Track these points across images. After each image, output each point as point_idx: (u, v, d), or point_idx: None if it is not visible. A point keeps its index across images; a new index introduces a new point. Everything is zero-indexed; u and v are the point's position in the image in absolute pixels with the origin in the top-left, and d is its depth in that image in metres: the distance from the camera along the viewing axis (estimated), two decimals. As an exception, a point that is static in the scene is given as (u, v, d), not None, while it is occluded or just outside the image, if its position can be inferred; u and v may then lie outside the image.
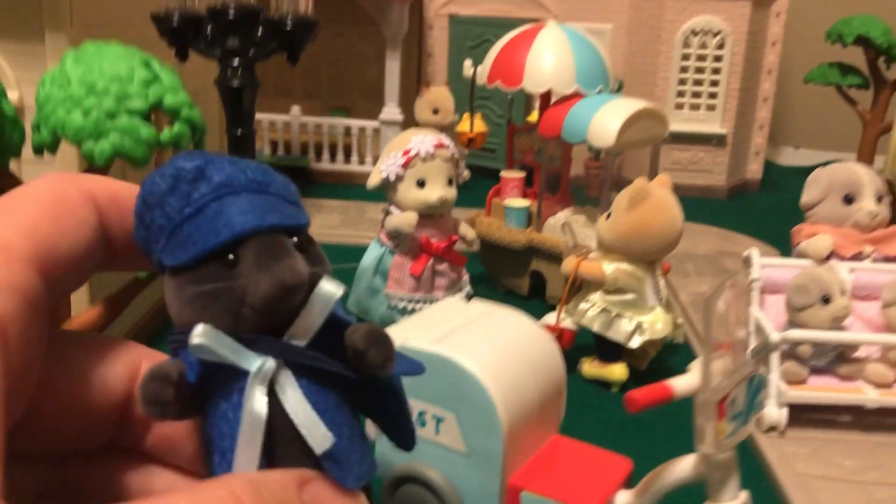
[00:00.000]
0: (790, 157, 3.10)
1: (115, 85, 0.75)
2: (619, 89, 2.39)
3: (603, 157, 1.44)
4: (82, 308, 0.98)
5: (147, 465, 0.27)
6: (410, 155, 1.38)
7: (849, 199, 1.25)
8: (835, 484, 1.01)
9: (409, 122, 2.34)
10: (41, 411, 0.24)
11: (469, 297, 1.52)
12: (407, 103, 2.37)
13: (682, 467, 0.79)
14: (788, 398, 1.09)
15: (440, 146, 1.40)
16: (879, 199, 1.25)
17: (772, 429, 1.11)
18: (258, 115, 2.18)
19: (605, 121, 1.38)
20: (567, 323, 1.28)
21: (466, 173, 1.48)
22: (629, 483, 0.86)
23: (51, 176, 0.26)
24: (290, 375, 0.23)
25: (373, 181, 1.42)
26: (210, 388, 0.24)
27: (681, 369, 0.82)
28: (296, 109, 2.41)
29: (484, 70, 1.55)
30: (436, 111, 2.23)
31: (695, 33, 2.31)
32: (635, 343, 1.22)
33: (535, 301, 1.58)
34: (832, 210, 1.25)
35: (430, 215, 1.41)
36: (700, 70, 2.34)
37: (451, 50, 2.51)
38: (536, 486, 0.84)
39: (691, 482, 0.78)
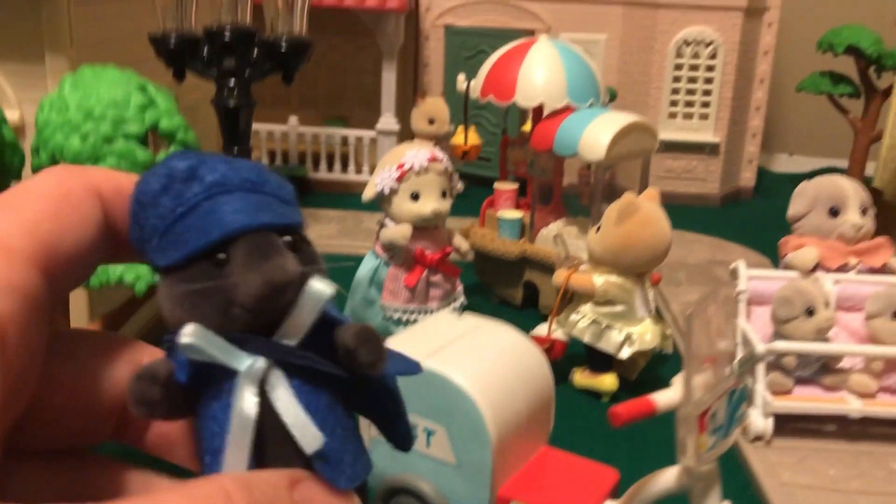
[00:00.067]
0: (784, 164, 3.12)
1: (111, 110, 0.78)
2: (613, 99, 2.42)
3: (593, 170, 1.47)
4: (81, 324, 1.00)
5: (144, 467, 0.28)
6: (404, 168, 1.40)
7: (834, 212, 1.27)
8: (819, 493, 1.03)
9: (406, 132, 2.37)
10: (43, 408, 0.24)
11: (463, 308, 1.54)
12: (403, 113, 2.40)
13: (666, 478, 0.81)
14: (774, 408, 1.11)
15: (434, 160, 1.42)
16: (864, 211, 1.27)
17: (758, 438, 1.13)
18: (256, 126, 2.21)
19: (596, 134, 1.40)
20: (558, 334, 1.30)
21: (460, 185, 1.50)
22: (615, 493, 0.89)
23: (55, 170, 0.26)
24: (280, 375, 0.23)
25: (367, 194, 1.44)
26: (201, 389, 0.24)
27: (670, 379, 0.84)
28: (293, 120, 2.44)
29: (477, 84, 1.58)
30: (432, 121, 2.26)
31: (687, 43, 2.33)
32: (625, 354, 1.24)
33: (528, 311, 1.61)
34: (818, 223, 1.27)
35: (425, 227, 1.43)
36: (693, 80, 2.36)
37: (446, 60, 2.53)
38: (524, 496, 0.86)
39: (675, 493, 0.81)
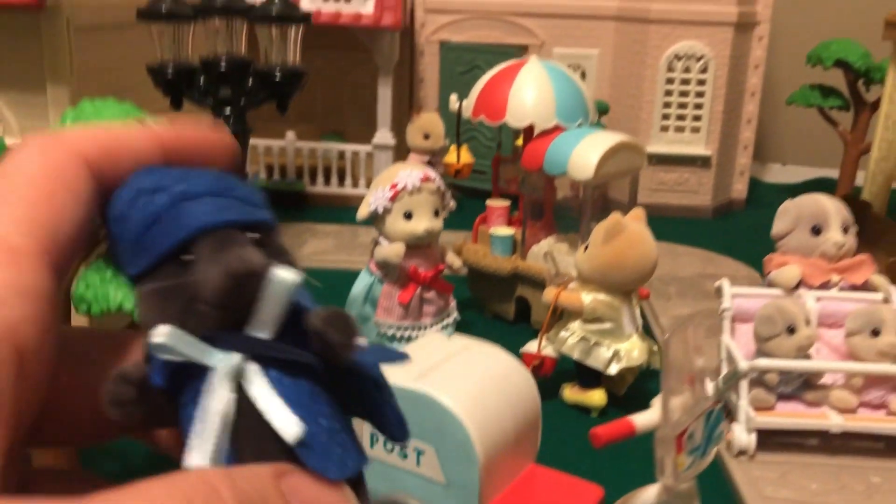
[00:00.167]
0: (777, 174, 3.16)
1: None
2: (605, 112, 2.46)
3: (582, 189, 1.50)
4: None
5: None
6: (398, 188, 1.44)
7: (816, 231, 1.30)
8: (800, 507, 1.06)
9: (402, 146, 2.40)
10: (54, 406, 0.24)
11: (456, 323, 1.57)
12: (399, 128, 2.43)
13: (647, 496, 0.84)
14: (757, 424, 1.14)
15: (426, 179, 1.45)
16: (845, 229, 1.31)
17: (741, 453, 1.16)
18: (254, 141, 2.24)
19: (585, 154, 1.44)
20: (548, 351, 1.33)
21: (453, 204, 1.54)
22: (599, 510, 0.92)
23: (36, 143, 0.24)
24: (257, 369, 0.23)
25: (362, 213, 1.47)
26: (180, 389, 0.24)
27: (657, 394, 0.87)
28: (291, 135, 2.47)
29: (469, 105, 1.61)
30: (427, 136, 2.29)
31: (678, 58, 2.37)
32: (613, 370, 1.27)
33: (520, 325, 1.64)
34: (801, 241, 1.31)
35: (418, 245, 1.46)
36: (684, 93, 2.40)
37: (442, 75, 2.57)
38: (511, 514, 0.89)
39: (655, 511, 0.84)
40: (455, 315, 1.57)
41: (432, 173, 1.48)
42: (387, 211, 1.44)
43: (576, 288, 1.30)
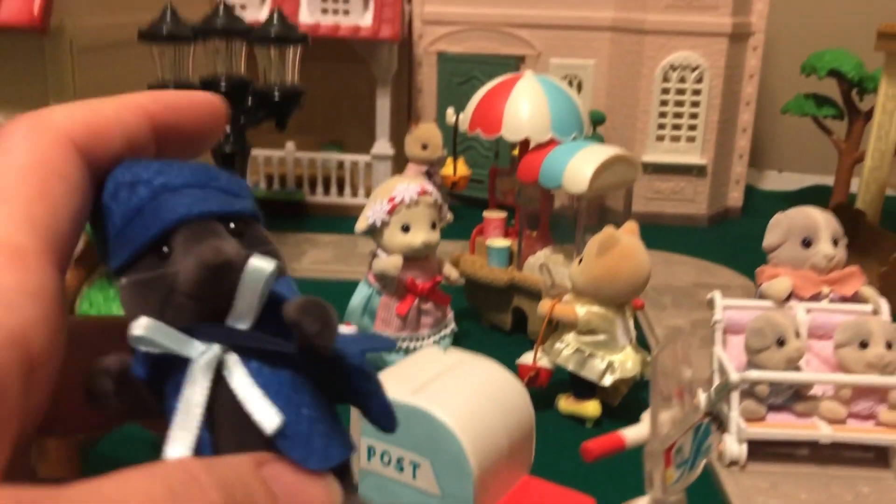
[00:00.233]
0: (774, 181, 3.18)
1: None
2: (602, 122, 2.48)
3: (576, 202, 1.52)
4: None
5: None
6: (395, 202, 1.46)
7: (807, 243, 1.32)
8: (789, 516, 1.08)
9: (400, 156, 2.43)
10: (60, 398, 0.24)
11: (453, 334, 1.59)
12: (398, 138, 2.46)
13: (637, 508, 0.86)
14: (748, 434, 1.17)
15: (423, 193, 1.48)
16: (835, 242, 1.33)
17: (733, 463, 1.18)
18: (254, 152, 2.26)
19: (579, 167, 1.46)
20: (544, 362, 1.35)
21: (450, 216, 1.56)
22: (591, 522, 0.94)
23: (21, 129, 0.24)
24: (237, 359, 0.23)
25: (360, 226, 1.50)
26: (164, 380, 0.24)
27: (649, 406, 0.89)
28: (290, 145, 2.49)
29: (465, 118, 1.63)
30: (425, 147, 2.32)
31: (673, 68, 2.39)
32: (607, 381, 1.29)
33: (517, 335, 1.66)
34: (791, 253, 1.33)
35: (415, 258, 1.49)
36: (679, 103, 2.42)
37: (439, 86, 2.59)
38: (505, 526, 0.91)
39: (645, 522, 0.86)
40: (452, 326, 1.59)
41: (429, 187, 1.50)
42: (384, 224, 1.47)
43: (570, 300, 1.32)
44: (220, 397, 0.23)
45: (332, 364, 0.24)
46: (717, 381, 1.26)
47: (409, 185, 1.48)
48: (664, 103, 2.42)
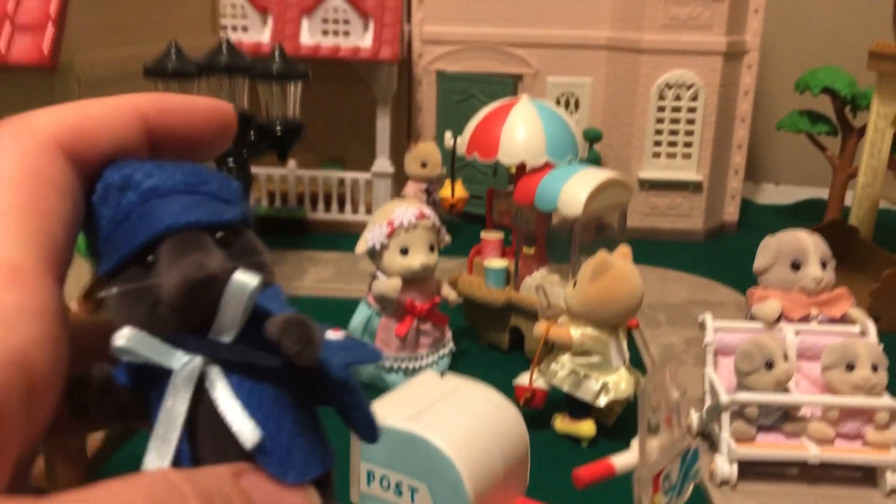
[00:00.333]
0: (770, 194, 3.21)
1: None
2: (599, 139, 2.52)
3: (572, 224, 1.55)
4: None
5: None
6: (394, 225, 1.50)
7: (796, 266, 1.35)
8: (778, 536, 1.11)
9: (400, 174, 2.46)
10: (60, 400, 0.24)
11: (452, 354, 1.63)
12: (398, 155, 2.49)
13: (627, 532, 0.89)
14: (738, 455, 1.20)
15: (421, 216, 1.51)
16: (824, 264, 1.36)
17: (724, 483, 1.21)
18: (256, 170, 2.30)
19: (574, 191, 1.49)
20: (540, 383, 1.38)
21: (448, 238, 1.59)
22: (584, 544, 0.97)
23: (4, 137, 0.23)
24: (219, 372, 0.23)
25: (360, 249, 1.53)
26: (149, 390, 0.24)
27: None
28: (292, 163, 2.53)
29: (463, 142, 1.67)
30: (424, 165, 2.35)
31: (669, 86, 2.43)
32: (602, 402, 1.32)
33: (514, 354, 1.69)
34: (781, 276, 1.36)
35: (414, 279, 1.52)
36: (675, 121, 2.46)
37: (438, 104, 2.63)
38: (500, 549, 0.94)
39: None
40: (451, 346, 1.62)
41: (427, 210, 1.54)
42: (384, 247, 1.50)
43: (565, 322, 1.35)
44: (202, 409, 0.23)
45: (315, 377, 0.24)
46: (708, 402, 1.29)
47: (407, 209, 1.51)
48: (660, 121, 2.46)
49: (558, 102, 2.60)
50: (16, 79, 1.13)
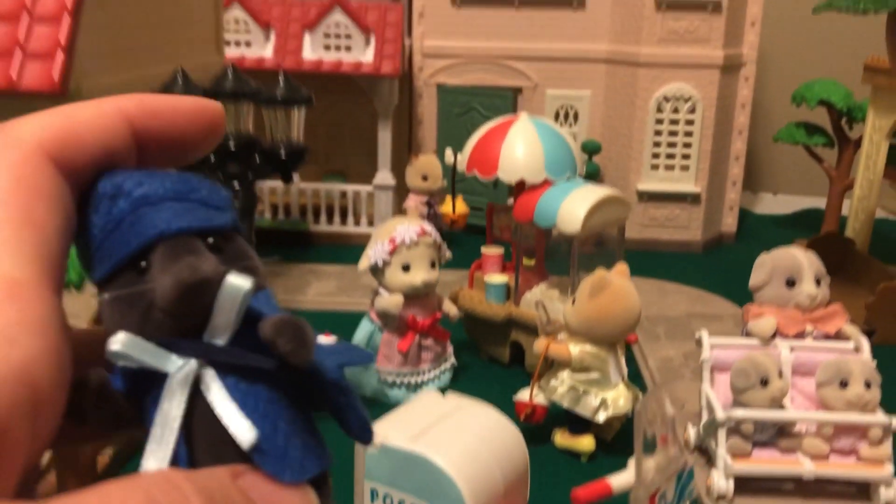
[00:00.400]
0: (769, 204, 3.23)
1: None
2: (598, 151, 2.54)
3: (572, 241, 1.58)
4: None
5: None
6: (396, 243, 1.52)
7: (791, 283, 1.38)
8: (774, 551, 1.13)
9: (401, 186, 2.49)
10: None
11: (453, 368, 1.65)
12: (399, 167, 2.52)
13: (625, 550, 0.92)
14: (734, 470, 1.22)
15: (423, 234, 1.54)
16: (818, 281, 1.38)
17: (720, 498, 1.23)
18: (259, 182, 2.33)
19: (572, 208, 1.52)
20: (540, 399, 1.41)
21: (448, 254, 1.62)
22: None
23: None
24: (213, 374, 0.23)
25: (362, 266, 1.56)
26: (144, 394, 0.24)
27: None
28: (295, 176, 2.55)
29: (463, 159, 1.70)
30: (425, 178, 2.38)
31: (667, 99, 2.45)
32: (601, 418, 1.35)
33: (515, 368, 1.72)
34: (776, 293, 1.38)
35: (416, 295, 1.55)
36: (673, 133, 2.48)
37: (439, 117, 2.66)
38: (500, 566, 0.96)
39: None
40: (452, 360, 1.65)
41: (428, 227, 1.56)
42: (386, 264, 1.53)
43: (564, 339, 1.38)
44: (197, 412, 0.23)
45: (309, 378, 0.24)
46: (705, 417, 1.31)
47: (409, 227, 1.54)
48: (658, 133, 2.48)
49: (557, 115, 2.63)
50: (27, 105, 1.16)
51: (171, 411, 0.23)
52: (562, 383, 1.38)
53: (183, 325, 0.23)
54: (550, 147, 1.63)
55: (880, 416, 1.22)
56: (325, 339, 0.26)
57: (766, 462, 1.23)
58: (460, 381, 1.65)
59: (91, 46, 1.21)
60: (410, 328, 1.56)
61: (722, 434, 1.24)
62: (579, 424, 1.39)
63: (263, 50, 2.38)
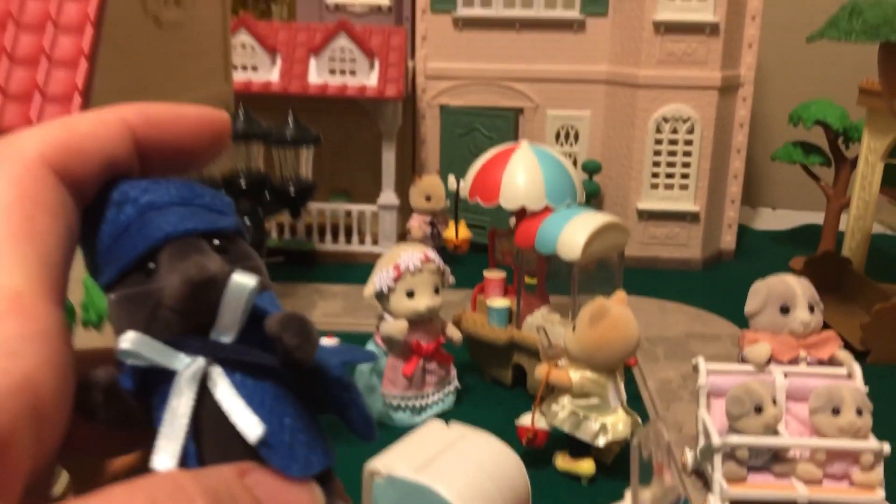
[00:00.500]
0: (767, 219, 3.27)
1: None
2: (598, 171, 2.59)
3: (572, 267, 1.62)
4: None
5: None
6: (400, 270, 1.56)
7: (785, 310, 1.42)
8: (768, 575, 1.16)
9: (405, 205, 2.53)
10: (70, 430, 0.24)
11: (457, 391, 1.69)
12: (403, 187, 2.57)
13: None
14: (730, 495, 1.25)
15: (426, 260, 1.58)
16: (811, 308, 1.42)
17: (717, 522, 1.27)
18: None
19: (572, 235, 1.56)
20: (541, 423, 1.45)
21: (452, 279, 1.66)
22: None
23: None
24: (221, 372, 0.24)
25: (368, 292, 1.60)
26: (152, 393, 0.24)
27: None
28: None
29: (465, 186, 1.74)
30: (428, 198, 2.43)
31: (666, 120, 2.50)
32: (601, 442, 1.38)
33: (517, 391, 1.75)
34: (770, 319, 1.42)
35: (420, 321, 1.59)
36: (672, 153, 2.52)
37: (442, 137, 2.71)
38: None
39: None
40: (455, 384, 1.69)
41: (431, 253, 1.61)
42: (391, 290, 1.57)
43: (565, 365, 1.42)
44: (205, 408, 0.23)
45: (313, 375, 0.25)
46: (702, 442, 1.35)
47: (412, 254, 1.58)
48: (658, 153, 2.52)
49: (558, 135, 2.68)
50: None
51: (179, 408, 0.23)
52: (563, 408, 1.41)
53: (190, 323, 0.24)
54: (551, 175, 1.67)
55: (872, 443, 1.25)
56: (327, 341, 0.27)
57: (761, 487, 1.27)
58: (464, 404, 1.69)
59: (106, 88, 1.26)
60: (415, 353, 1.60)
61: (718, 459, 1.28)
62: (580, 448, 1.43)
63: (270, 74, 2.43)
